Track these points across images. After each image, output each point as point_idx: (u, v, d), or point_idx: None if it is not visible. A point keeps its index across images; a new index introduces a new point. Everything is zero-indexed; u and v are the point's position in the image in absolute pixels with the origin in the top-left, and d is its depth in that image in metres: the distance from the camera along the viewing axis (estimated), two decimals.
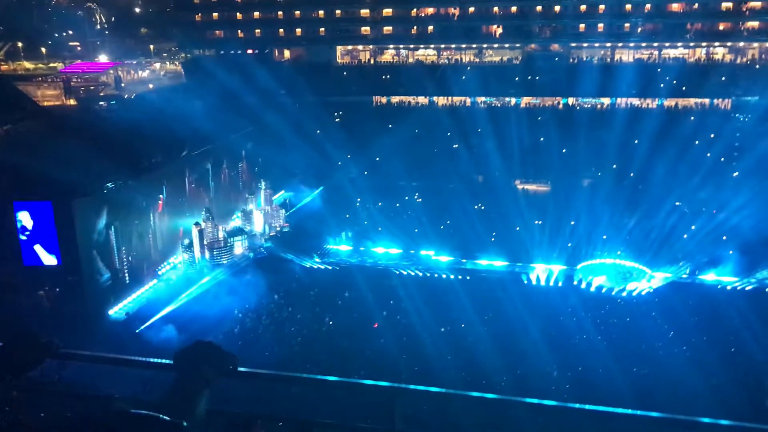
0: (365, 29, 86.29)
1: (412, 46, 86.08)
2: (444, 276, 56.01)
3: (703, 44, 78.66)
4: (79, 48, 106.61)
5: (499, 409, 5.28)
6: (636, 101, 76.48)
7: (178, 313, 48.02)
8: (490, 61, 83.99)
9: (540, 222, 59.72)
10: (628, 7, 77.78)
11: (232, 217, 63.24)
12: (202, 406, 3.73)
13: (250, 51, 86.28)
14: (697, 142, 65.07)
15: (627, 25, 78.71)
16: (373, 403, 4.64)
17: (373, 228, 62.17)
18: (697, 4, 76.18)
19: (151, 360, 4.82)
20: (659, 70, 75.99)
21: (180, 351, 4.10)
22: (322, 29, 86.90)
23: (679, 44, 78.96)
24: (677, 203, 60.39)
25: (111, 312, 48.03)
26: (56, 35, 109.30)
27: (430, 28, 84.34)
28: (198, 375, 3.87)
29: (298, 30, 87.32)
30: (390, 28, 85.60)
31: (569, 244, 57.48)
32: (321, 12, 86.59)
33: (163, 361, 4.43)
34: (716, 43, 78.42)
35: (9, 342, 4.02)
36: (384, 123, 73.97)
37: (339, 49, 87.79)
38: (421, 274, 56.75)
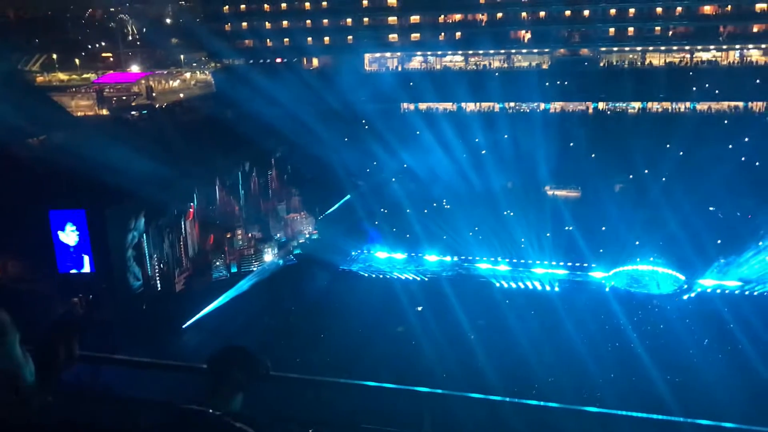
0: (393, 36, 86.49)
1: (439, 52, 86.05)
2: (474, 281, 55.88)
3: (737, 46, 77.29)
4: (111, 59, 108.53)
5: (522, 414, 5.24)
6: (667, 105, 75.46)
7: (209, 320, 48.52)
8: (519, 66, 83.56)
9: (570, 228, 59.18)
10: (659, 10, 76.86)
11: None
12: (237, 409, 3.75)
13: (278, 60, 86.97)
14: (731, 146, 63.96)
15: (658, 28, 77.78)
16: (400, 408, 4.62)
17: (401, 235, 62.13)
18: (730, 6, 74.93)
19: (185, 364, 4.85)
20: (691, 73, 74.93)
21: (213, 355, 4.13)
22: (350, 37, 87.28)
23: (712, 47, 77.74)
24: (711, 208, 59.36)
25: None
26: (89, 47, 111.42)
27: (458, 34, 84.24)
28: (231, 379, 3.89)
29: (326, 38, 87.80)
30: (417, 35, 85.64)
31: (600, 250, 56.84)
32: (349, 20, 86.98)
33: (198, 365, 4.47)
34: (750, 45, 77.00)
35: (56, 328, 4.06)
36: (412, 129, 73.96)
37: (367, 56, 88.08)
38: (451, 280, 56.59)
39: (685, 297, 52.47)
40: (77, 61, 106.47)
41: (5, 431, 2.22)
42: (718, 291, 53.26)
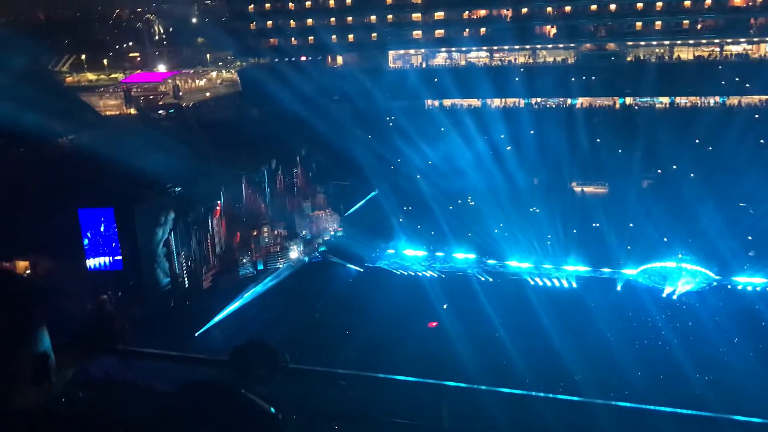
0: (417, 33, 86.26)
1: (464, 48, 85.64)
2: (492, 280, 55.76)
3: None
4: (138, 59, 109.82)
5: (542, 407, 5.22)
6: (696, 100, 74.34)
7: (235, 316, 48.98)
8: (544, 61, 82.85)
9: (597, 225, 58.65)
10: (687, 3, 75.60)
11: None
12: (258, 402, 3.79)
13: (303, 58, 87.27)
14: (762, 141, 62.83)
15: (686, 21, 76.55)
16: (420, 400, 4.63)
17: (425, 232, 62.08)
18: None
19: (210, 357, 4.91)
20: (720, 67, 73.68)
21: (235, 349, 4.20)
22: (374, 34, 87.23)
23: (742, 40, 76.33)
24: (741, 204, 58.38)
25: None
26: (117, 47, 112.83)
27: (483, 30, 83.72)
28: (253, 372, 3.96)
29: (351, 36, 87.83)
30: (442, 31, 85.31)
31: (628, 247, 56.27)
32: (373, 17, 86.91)
33: (221, 358, 4.53)
34: None
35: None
36: (436, 126, 73.78)
37: (391, 53, 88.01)
38: (477, 277, 56.49)
39: (715, 294, 51.69)
40: (105, 61, 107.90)
41: (32, 420, 2.27)
42: (750, 288, 52.45)
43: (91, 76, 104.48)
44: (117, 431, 2.55)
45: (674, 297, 52.68)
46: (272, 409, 3.48)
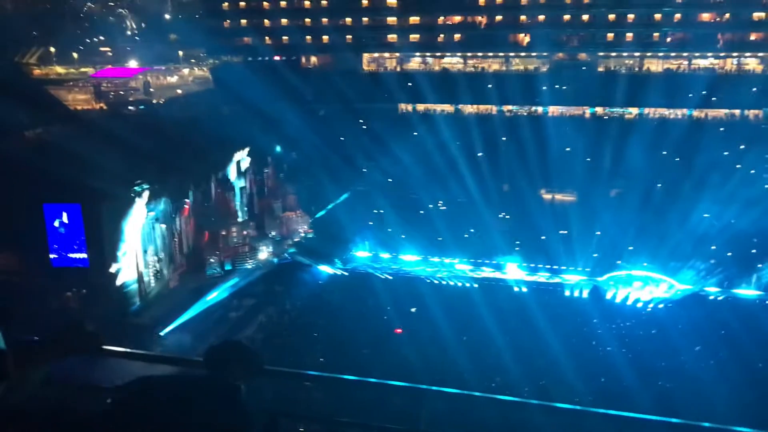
0: (392, 37, 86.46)
1: (438, 53, 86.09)
2: (467, 285, 55.95)
3: (734, 54, 77.58)
4: (109, 53, 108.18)
5: (518, 412, 5.28)
6: (665, 111, 75.70)
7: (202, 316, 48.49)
8: (517, 69, 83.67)
9: (565, 232, 59.32)
10: (658, 16, 76.98)
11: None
12: (233, 403, 3.77)
13: (277, 57, 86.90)
14: (726, 153, 64.18)
15: (656, 34, 77.95)
16: (397, 404, 4.64)
17: (396, 235, 62.19)
18: (728, 14, 75.15)
19: (183, 357, 4.86)
20: (688, 80, 75.14)
21: (210, 349, 4.16)
22: (349, 36, 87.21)
23: (710, 54, 77.99)
24: (705, 215, 59.57)
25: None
26: (88, 40, 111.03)
27: (457, 36, 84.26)
28: (228, 373, 3.93)
29: (325, 37, 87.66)
30: (417, 35, 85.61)
31: (595, 255, 57.04)
32: (348, 19, 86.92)
33: (195, 358, 4.48)
34: (747, 54, 77.30)
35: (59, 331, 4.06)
36: (409, 130, 74.01)
37: (365, 56, 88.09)
38: (444, 282, 56.74)
39: (678, 302, 52.61)
40: (75, 54, 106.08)
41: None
42: (712, 297, 53.55)
43: (60, 69, 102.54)
44: (84, 429, 2.52)
45: (639, 305, 53.47)
46: (241, 408, 3.46)
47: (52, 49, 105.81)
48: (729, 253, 55.40)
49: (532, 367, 40.07)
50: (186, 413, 2.68)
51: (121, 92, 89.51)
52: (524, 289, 56.02)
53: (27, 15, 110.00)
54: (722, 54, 77.64)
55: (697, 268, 54.73)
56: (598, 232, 58.73)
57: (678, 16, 76.14)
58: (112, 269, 47.55)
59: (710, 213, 59.49)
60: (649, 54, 79.17)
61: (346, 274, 58.76)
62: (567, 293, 55.31)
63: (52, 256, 47.07)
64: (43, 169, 45.18)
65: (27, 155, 48.25)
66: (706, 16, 76.51)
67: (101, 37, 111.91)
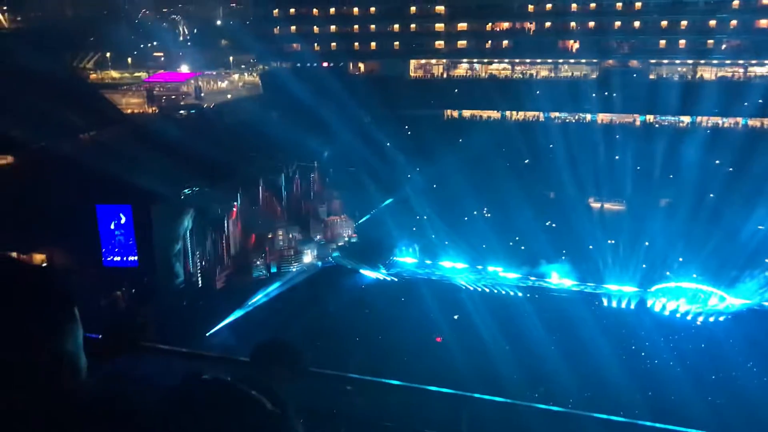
0: (439, 43, 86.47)
1: (486, 60, 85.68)
2: (511, 293, 55.43)
3: None
4: (162, 58, 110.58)
5: (559, 422, 5.24)
6: (718, 120, 73.83)
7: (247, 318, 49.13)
8: (566, 76, 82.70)
9: (613, 242, 58.26)
10: (712, 23, 75.25)
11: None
12: (277, 402, 3.83)
13: (325, 64, 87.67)
14: None
15: (710, 41, 76.16)
16: (437, 409, 4.65)
17: (440, 242, 61.98)
18: None
19: (227, 356, 4.97)
20: (744, 88, 73.14)
21: (257, 348, 4.23)
22: (397, 43, 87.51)
23: (767, 62, 75.81)
24: (760, 227, 57.82)
25: None
26: (142, 46, 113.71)
27: (505, 42, 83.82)
28: (273, 372, 3.98)
29: (373, 44, 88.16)
30: (464, 42, 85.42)
31: (643, 266, 55.86)
32: (396, 26, 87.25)
33: (241, 358, 4.58)
34: None
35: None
36: (455, 137, 73.77)
37: (412, 62, 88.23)
38: (488, 290, 56.32)
39: (729, 316, 51.21)
40: (129, 60, 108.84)
41: (60, 411, 2.33)
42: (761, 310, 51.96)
43: (114, 74, 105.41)
44: (137, 423, 2.61)
45: (689, 318, 52.21)
46: (280, 411, 3.50)
47: (108, 55, 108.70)
48: None
49: (575, 378, 39.44)
50: (229, 414, 2.74)
51: (173, 96, 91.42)
52: (570, 299, 55.18)
53: (84, 21, 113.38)
54: None
55: (749, 280, 53.11)
56: (647, 243, 57.49)
57: (734, 22, 74.27)
58: (161, 269, 48.57)
59: (765, 225, 57.75)
60: (702, 62, 77.35)
61: (389, 279, 58.79)
62: (614, 304, 54.27)
63: (103, 256, 48.30)
64: (97, 171, 46.47)
65: (81, 157, 49.68)
66: (764, 23, 74.45)
67: (155, 43, 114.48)
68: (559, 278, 56.85)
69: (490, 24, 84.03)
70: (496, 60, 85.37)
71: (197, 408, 2.69)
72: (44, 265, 48.03)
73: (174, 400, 2.66)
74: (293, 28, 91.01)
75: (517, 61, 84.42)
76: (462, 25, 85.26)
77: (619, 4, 78.08)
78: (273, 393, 3.82)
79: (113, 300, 47.51)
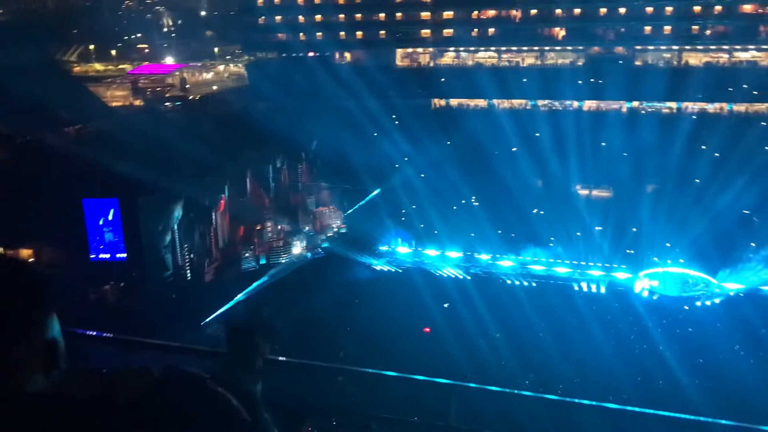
0: (425, 32, 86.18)
1: (472, 48, 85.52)
2: (500, 281, 55.68)
3: None
4: (147, 50, 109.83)
5: (548, 408, 5.24)
6: (704, 105, 74.12)
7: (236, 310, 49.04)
8: (552, 63, 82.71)
9: (600, 228, 58.55)
10: (697, 8, 75.36)
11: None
12: (258, 390, 3.76)
13: (311, 54, 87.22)
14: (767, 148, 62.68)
15: (695, 27, 76.33)
16: (427, 399, 4.64)
17: (429, 231, 62.07)
18: None
19: (212, 349, 4.93)
20: (729, 73, 73.43)
21: (236, 322, 4.09)
22: (383, 32, 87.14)
23: (751, 47, 76.07)
24: (745, 211, 58.25)
25: None
26: (126, 38, 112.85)
27: (491, 30, 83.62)
28: (252, 346, 3.85)
29: (359, 33, 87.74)
30: (450, 30, 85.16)
31: (630, 251, 56.21)
32: (382, 15, 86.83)
33: (221, 350, 4.52)
34: None
35: None
36: (442, 125, 73.65)
37: (399, 51, 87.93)
38: (477, 277, 56.54)
39: (716, 300, 51.66)
40: (113, 52, 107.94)
41: (41, 404, 2.29)
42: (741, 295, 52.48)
43: (98, 66, 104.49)
44: (121, 418, 2.56)
45: (673, 302, 52.61)
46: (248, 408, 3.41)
47: (92, 47, 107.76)
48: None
49: (564, 365, 39.68)
50: (208, 405, 2.68)
51: (158, 88, 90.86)
52: (557, 285, 55.49)
53: (67, 14, 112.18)
54: (765, 46, 75.65)
55: (736, 265, 53.57)
56: (634, 228, 57.84)
57: (718, 8, 74.42)
58: (149, 263, 48.34)
59: (749, 209, 58.19)
60: (688, 47, 77.55)
61: (377, 268, 58.82)
62: (603, 290, 54.62)
63: (90, 249, 48.00)
64: (83, 164, 46.17)
65: (67, 151, 49.29)
66: (747, 8, 74.63)
67: (138, 35, 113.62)
68: (546, 265, 57.13)
69: (476, 12, 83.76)
70: (482, 48, 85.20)
71: (164, 407, 2.63)
72: (30, 260, 47.68)
73: (144, 397, 2.59)
74: (278, 17, 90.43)
75: (503, 48, 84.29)
76: (448, 14, 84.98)
77: None
78: (244, 390, 3.75)
79: (100, 294, 47.31)
